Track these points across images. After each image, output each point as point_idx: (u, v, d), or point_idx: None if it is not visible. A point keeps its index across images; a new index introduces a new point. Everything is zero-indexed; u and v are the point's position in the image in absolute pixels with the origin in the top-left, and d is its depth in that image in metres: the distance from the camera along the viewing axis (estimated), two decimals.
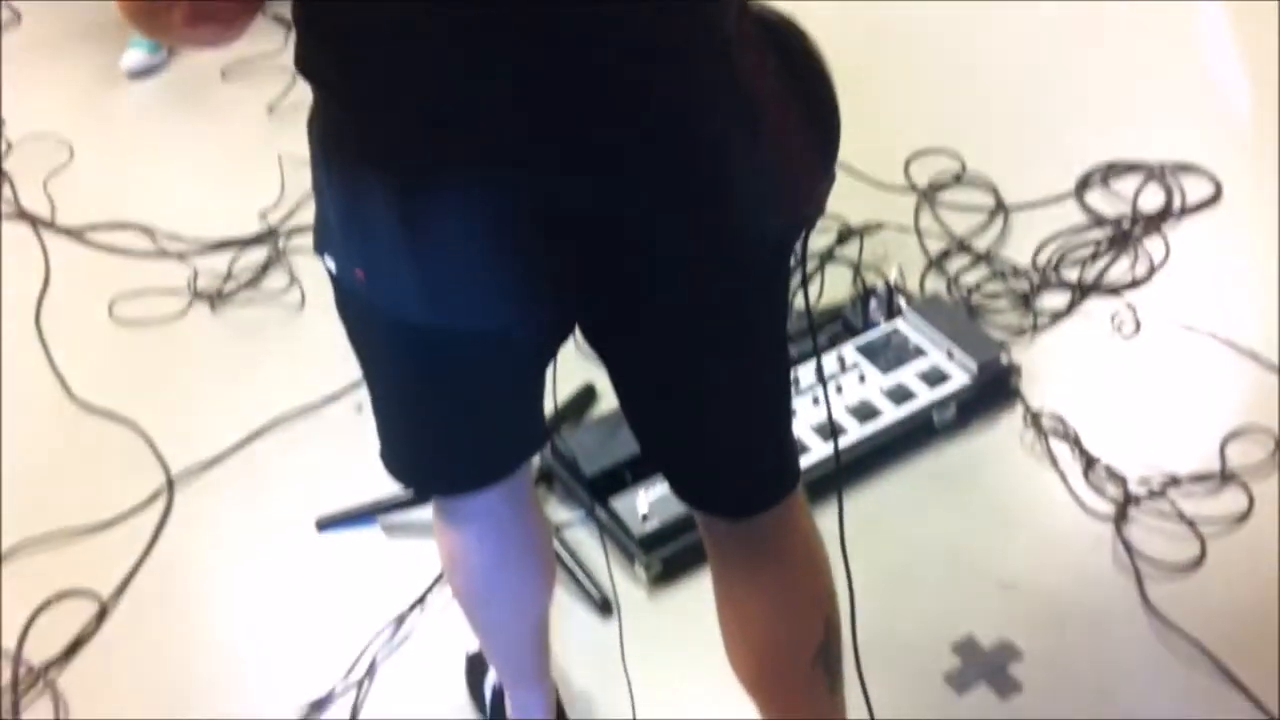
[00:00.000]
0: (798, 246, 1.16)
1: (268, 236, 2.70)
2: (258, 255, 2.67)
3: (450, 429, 1.25)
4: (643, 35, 0.96)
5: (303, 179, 2.76)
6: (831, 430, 1.39)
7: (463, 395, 1.20)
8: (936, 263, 2.53)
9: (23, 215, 2.82)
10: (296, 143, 2.96)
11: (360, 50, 0.98)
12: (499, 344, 1.13)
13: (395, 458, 1.32)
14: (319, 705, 1.84)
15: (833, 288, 2.44)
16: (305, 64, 1.03)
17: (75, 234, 2.76)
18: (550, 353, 1.24)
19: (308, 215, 2.67)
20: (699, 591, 1.89)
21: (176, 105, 3.20)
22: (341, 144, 1.04)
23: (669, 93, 0.99)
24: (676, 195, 1.01)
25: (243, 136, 3.04)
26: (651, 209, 1.00)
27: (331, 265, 1.10)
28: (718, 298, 1.10)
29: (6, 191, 2.89)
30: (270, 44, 3.27)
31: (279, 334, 2.50)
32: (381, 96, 0.98)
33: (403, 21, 0.94)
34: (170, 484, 2.19)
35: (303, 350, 2.44)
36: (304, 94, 3.06)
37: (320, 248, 1.12)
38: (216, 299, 2.57)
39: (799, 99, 1.07)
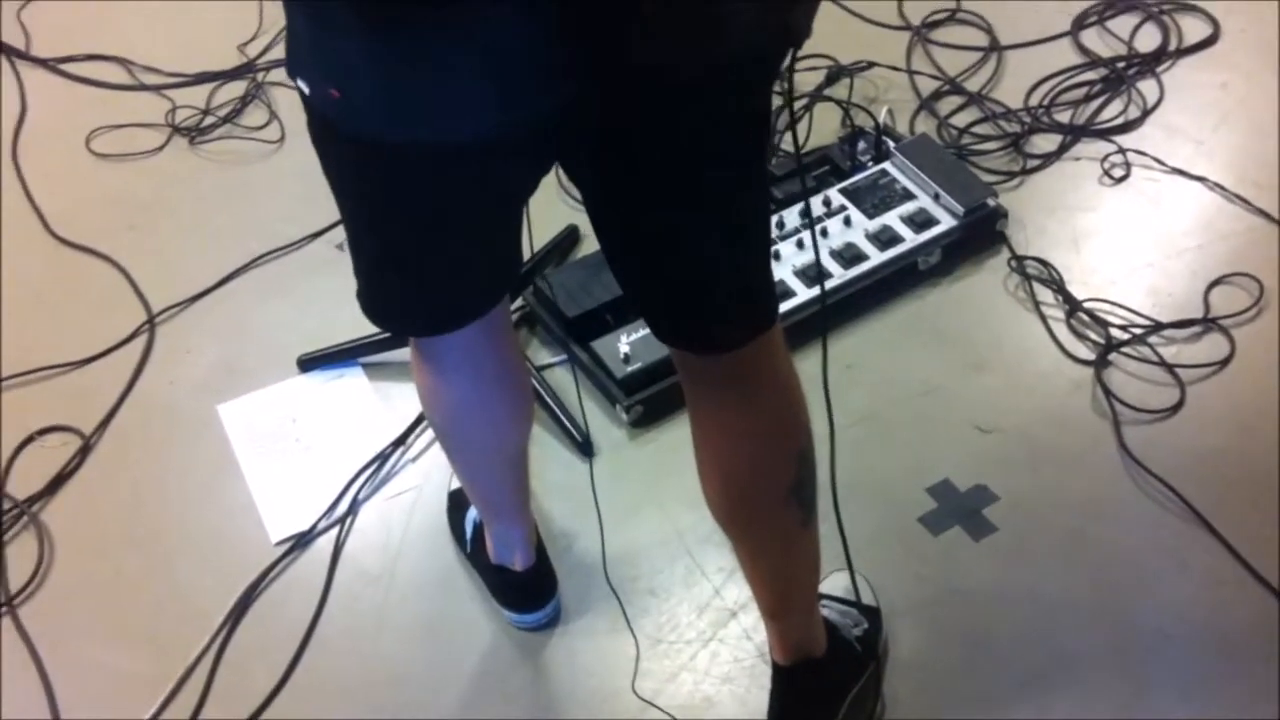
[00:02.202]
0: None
1: (245, 70, 2.64)
2: (236, 89, 2.61)
3: (425, 262, 1.23)
4: None
5: (280, 11, 2.74)
6: (819, 273, 1.36)
7: (438, 224, 1.17)
8: (927, 104, 2.48)
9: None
10: None
11: None
12: (476, 165, 1.10)
13: (371, 298, 1.30)
14: (301, 541, 1.86)
15: (820, 129, 2.41)
16: None
17: (50, 65, 2.70)
18: (527, 182, 1.21)
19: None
20: (680, 435, 1.92)
21: None
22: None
23: None
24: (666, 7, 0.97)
25: None
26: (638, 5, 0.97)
27: (304, 86, 1.06)
28: (696, 114, 1.06)
29: None
30: None
31: (258, 170, 2.46)
32: None
33: None
34: (151, 320, 2.18)
35: (283, 186, 2.41)
36: None
37: (292, 70, 1.08)
38: (195, 133, 2.52)
39: None
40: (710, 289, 1.22)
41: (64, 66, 2.70)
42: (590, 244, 2.20)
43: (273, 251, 2.28)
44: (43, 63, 2.71)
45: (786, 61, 1.09)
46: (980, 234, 2.20)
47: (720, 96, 1.06)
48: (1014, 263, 2.17)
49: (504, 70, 0.97)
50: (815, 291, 2.03)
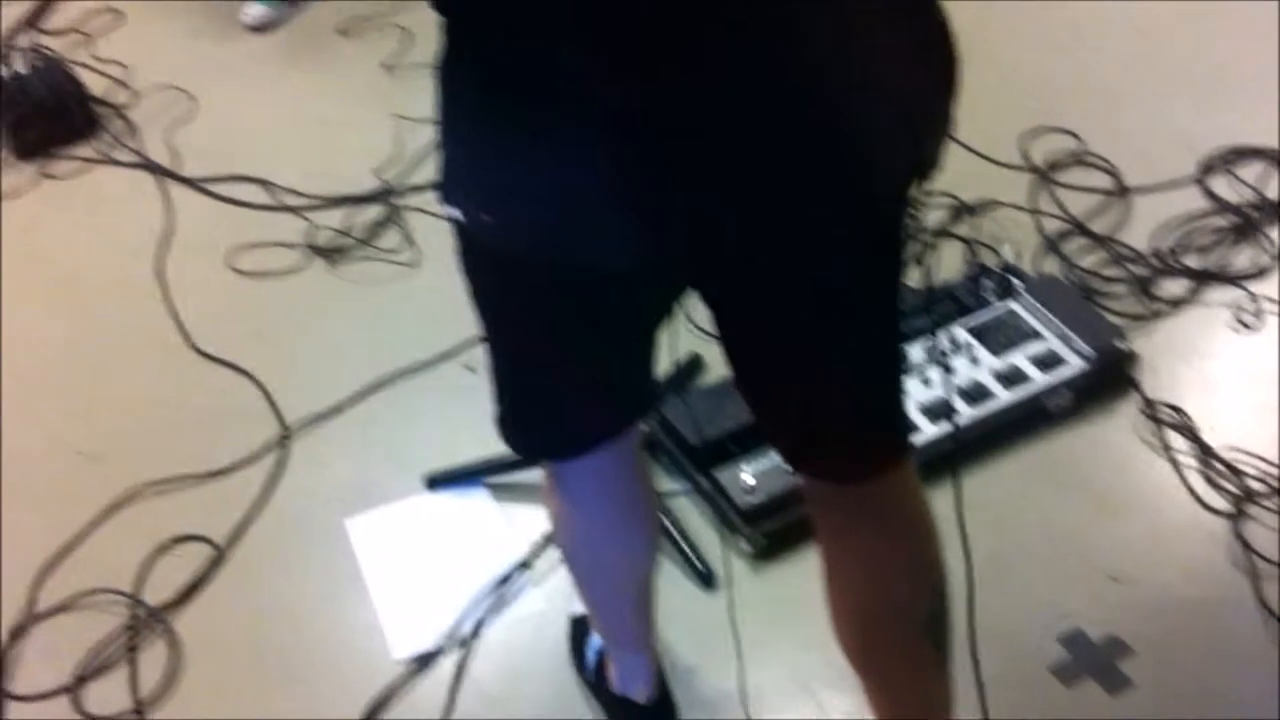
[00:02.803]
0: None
1: (382, 194, 2.73)
2: (373, 212, 2.70)
3: (564, 385, 1.26)
4: None
5: (418, 136, 2.84)
6: (948, 408, 1.37)
7: (580, 346, 1.21)
8: (1052, 244, 2.49)
9: (147, 165, 2.88)
10: (411, 101, 3.01)
11: None
12: (620, 289, 1.13)
13: (510, 421, 1.34)
14: (424, 662, 1.87)
15: (945, 265, 2.42)
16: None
17: (197, 185, 2.82)
18: (666, 306, 1.24)
19: (422, 174, 2.76)
20: (804, 567, 1.91)
21: (295, 60, 3.23)
22: (469, 81, 1.04)
23: (789, 17, 0.97)
24: (794, 124, 1.00)
25: (359, 93, 3.07)
26: (771, 139, 0.99)
27: (457, 213, 1.11)
28: (832, 245, 1.09)
29: (132, 141, 2.95)
30: (386, 3, 3.32)
31: (392, 291, 2.53)
32: (514, 25, 0.99)
33: None
34: (285, 434, 2.24)
35: (416, 307, 2.48)
36: (420, 53, 3.11)
37: (445, 196, 1.12)
38: (332, 254, 2.61)
39: (916, 37, 1.06)
40: (843, 418, 1.23)
41: (210, 186, 2.81)
42: (710, 372, 2.22)
43: (404, 370, 2.34)
44: (190, 182, 2.83)
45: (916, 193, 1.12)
46: (1109, 377, 2.18)
47: (856, 227, 1.08)
48: (1144, 407, 2.15)
49: (655, 209, 1.01)
50: (941, 428, 2.02)
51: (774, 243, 1.05)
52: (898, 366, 1.24)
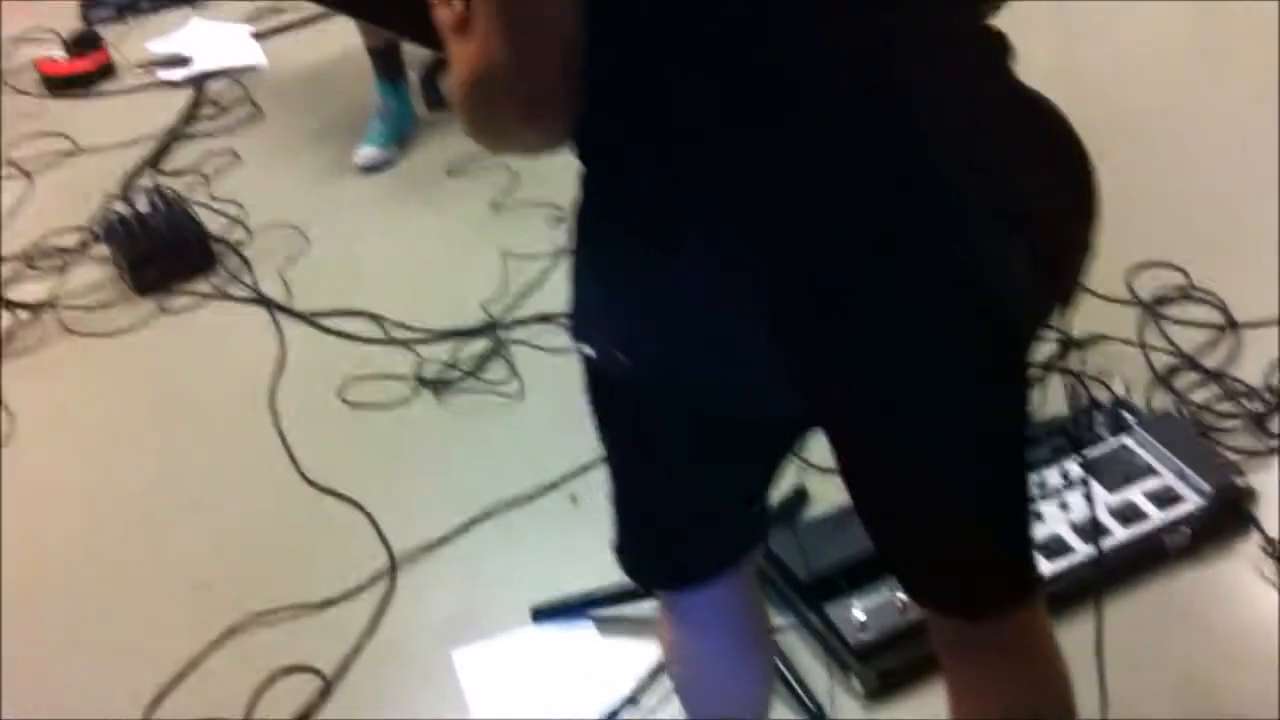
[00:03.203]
0: None
1: (489, 328, 2.78)
2: (480, 346, 2.74)
3: (686, 515, 1.28)
4: (915, 100, 0.99)
5: (523, 272, 2.91)
6: (1094, 532, 1.35)
7: (704, 476, 1.22)
8: (1163, 379, 2.46)
9: (261, 299, 2.96)
10: (517, 238, 3.08)
11: (642, 129, 1.02)
12: (748, 426, 1.15)
13: (629, 551, 1.35)
14: None
15: (1053, 400, 2.39)
16: (581, 139, 1.06)
17: (308, 319, 2.89)
18: (792, 439, 1.25)
19: (527, 308, 2.81)
20: (916, 707, 1.87)
21: (405, 199, 3.33)
22: (607, 220, 1.08)
23: (933, 157, 1.00)
24: (934, 259, 1.01)
25: (467, 231, 3.15)
26: (908, 276, 1.00)
27: (589, 351, 1.13)
28: (968, 376, 1.08)
29: (247, 277, 3.04)
30: None
31: (498, 423, 2.56)
32: (653, 169, 1.02)
33: (692, 106, 0.98)
34: (393, 565, 2.25)
35: (520, 439, 2.50)
36: (526, 192, 3.19)
37: (577, 333, 1.15)
38: (440, 387, 2.65)
39: (1056, 165, 1.08)
40: (966, 548, 1.22)
41: (322, 320, 2.88)
42: (817, 505, 2.20)
43: (509, 502, 2.35)
44: (302, 316, 2.90)
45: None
46: (1227, 514, 2.13)
47: (989, 360, 1.08)
48: (1265, 545, 2.09)
49: (790, 347, 1.03)
50: (1058, 565, 1.98)
51: (906, 375, 1.06)
52: (1024, 498, 1.23)
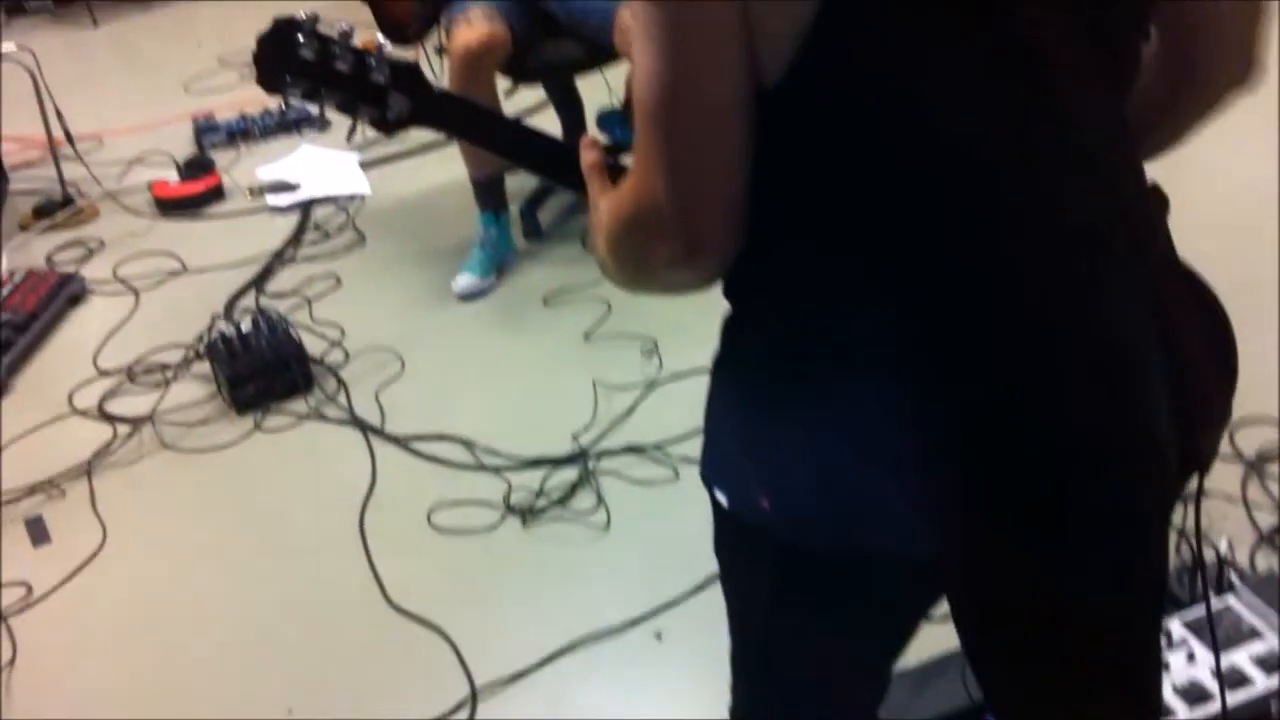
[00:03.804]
0: None
1: (578, 457, 2.79)
2: (568, 475, 2.75)
3: (816, 671, 1.24)
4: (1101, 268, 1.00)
5: (613, 403, 2.91)
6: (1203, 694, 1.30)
7: (837, 632, 1.19)
8: (1267, 538, 2.39)
9: (355, 421, 3.00)
10: (609, 369, 3.09)
11: (814, 281, 1.02)
12: (892, 579, 1.11)
13: (751, 710, 1.30)
14: None
15: None
16: (744, 286, 1.07)
17: (401, 442, 2.92)
18: (937, 595, 1.22)
19: (617, 439, 2.81)
20: None
21: (500, 326, 3.38)
22: (755, 361, 1.08)
23: (1107, 307, 1.01)
24: (1100, 406, 1.00)
25: (559, 360, 3.18)
26: (1075, 422, 1.00)
27: (723, 497, 1.11)
28: (1118, 539, 1.06)
29: (342, 398, 3.09)
30: (590, 275, 3.47)
31: (584, 553, 2.55)
32: (817, 307, 1.02)
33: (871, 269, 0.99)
34: (474, 695, 2.23)
35: (607, 571, 2.48)
36: (618, 324, 3.20)
37: (712, 477, 1.14)
38: (528, 515, 2.65)
39: (1211, 346, 1.09)
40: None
41: (414, 444, 2.90)
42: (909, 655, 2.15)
43: (593, 635, 2.32)
44: (395, 440, 2.93)
45: None
46: None
47: (1139, 525, 1.06)
48: None
49: (943, 494, 1.00)
50: None
51: (1064, 523, 1.04)
52: (1159, 665, 1.20)
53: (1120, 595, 1.09)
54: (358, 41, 1.30)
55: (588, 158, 1.18)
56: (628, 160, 1.05)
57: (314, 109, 4.58)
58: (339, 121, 4.56)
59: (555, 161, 1.31)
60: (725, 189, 0.98)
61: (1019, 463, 0.99)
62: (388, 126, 1.31)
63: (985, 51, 0.95)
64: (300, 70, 1.27)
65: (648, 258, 1.02)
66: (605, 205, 1.10)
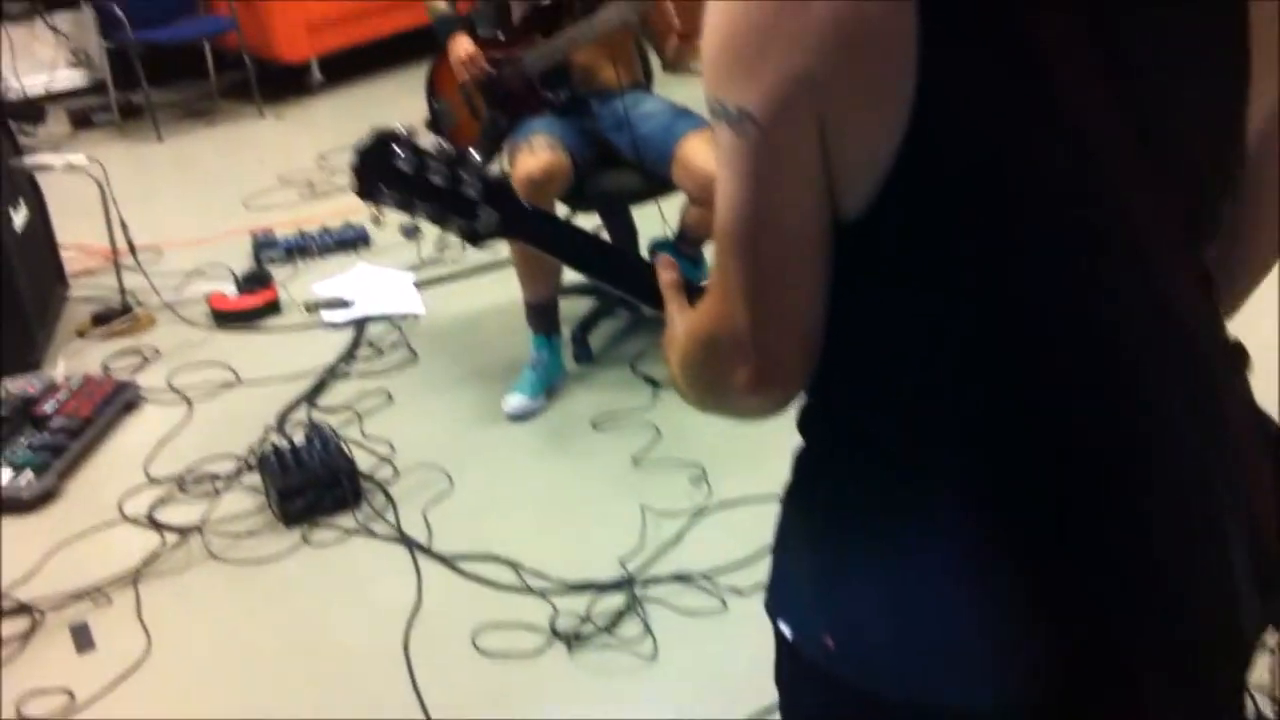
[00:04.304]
0: None
1: (625, 583, 2.77)
2: (614, 601, 2.73)
3: None
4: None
5: (661, 530, 2.90)
6: None
7: None
8: None
9: (403, 539, 3.00)
10: (657, 495, 3.08)
11: (918, 410, 1.03)
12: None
13: None
14: None
15: None
16: (818, 419, 1.07)
17: (448, 561, 2.91)
18: None
19: (665, 565, 2.79)
20: None
21: (549, 448, 3.38)
22: (832, 493, 1.07)
23: (1183, 451, 1.01)
24: (1190, 563, 1.01)
25: (607, 483, 3.18)
26: (1168, 575, 1.00)
27: (788, 630, 1.10)
28: (1199, 697, 1.04)
29: (391, 515, 3.09)
30: (639, 400, 3.49)
31: (630, 683, 2.52)
32: (899, 439, 1.02)
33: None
34: None
35: (652, 702, 2.45)
36: (668, 448, 3.18)
37: (776, 610, 1.12)
38: (573, 640, 2.63)
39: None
40: None
41: (461, 564, 2.90)
42: None
43: None
44: (442, 559, 2.92)
45: None
46: None
47: (1218, 684, 1.05)
48: None
49: (1025, 646, 0.99)
50: None
51: (1142, 673, 1.02)
52: None
53: None
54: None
55: (665, 276, 1.21)
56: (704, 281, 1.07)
57: (371, 229, 4.66)
58: (394, 242, 4.64)
59: (632, 278, 1.34)
60: (801, 319, 0.99)
61: (1114, 610, 0.98)
62: (476, 238, 1.36)
63: (1073, 223, 0.97)
64: (396, 181, 1.32)
65: (721, 381, 1.04)
66: (682, 325, 1.12)
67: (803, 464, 1.12)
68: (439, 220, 1.35)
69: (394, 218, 1.39)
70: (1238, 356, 1.10)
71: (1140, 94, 0.95)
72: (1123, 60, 0.94)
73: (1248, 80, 0.99)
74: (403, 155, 1.32)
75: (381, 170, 1.32)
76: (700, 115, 3.49)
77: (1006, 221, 0.95)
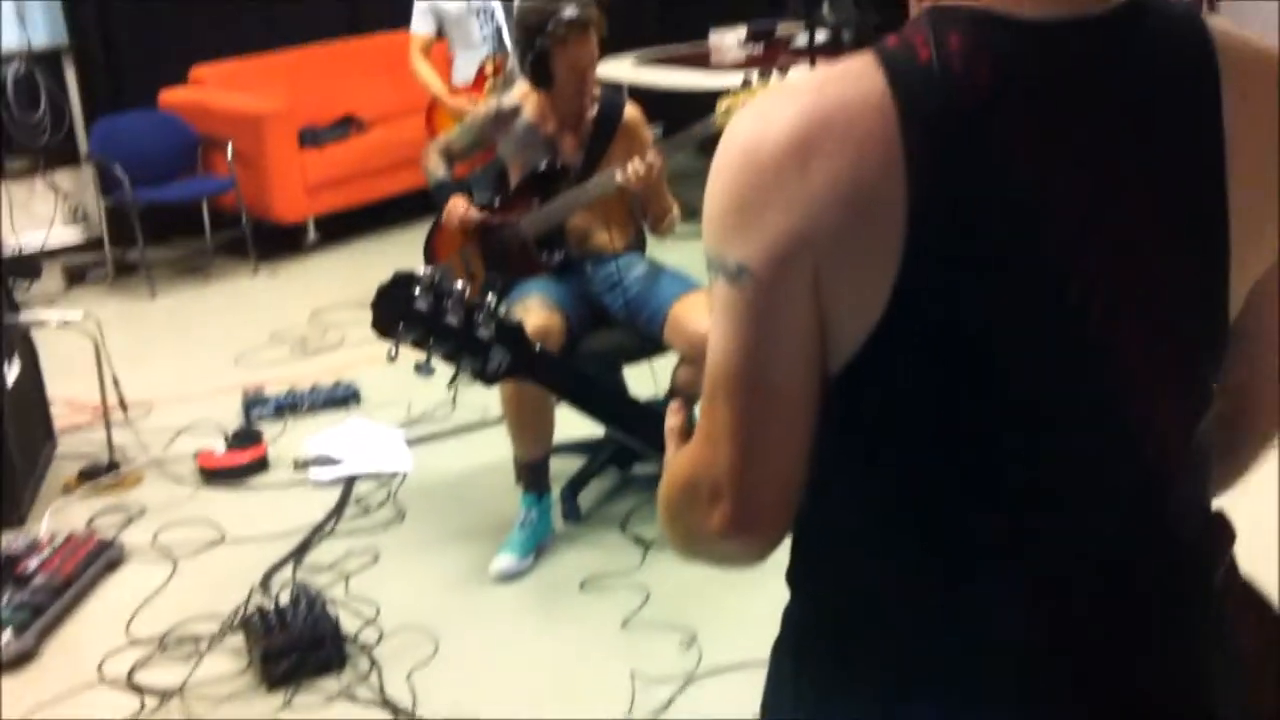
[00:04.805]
0: None
1: None
2: None
3: None
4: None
5: (651, 696, 2.85)
6: None
7: None
8: None
9: (386, 703, 2.94)
10: (646, 659, 3.04)
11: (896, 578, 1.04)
12: None
13: None
14: None
15: None
16: (805, 575, 1.08)
17: None
18: None
19: None
20: None
21: (536, 610, 3.34)
22: (822, 665, 1.08)
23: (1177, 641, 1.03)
24: None
25: (595, 647, 3.13)
26: None
27: None
28: None
29: (374, 679, 3.03)
30: (628, 560, 3.46)
31: None
32: (902, 602, 1.04)
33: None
34: None
35: None
36: (656, 612, 3.16)
37: None
38: None
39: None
40: None
41: None
42: None
43: None
44: None
45: None
46: None
47: None
48: None
49: None
50: None
51: None
52: None
53: None
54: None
55: (672, 420, 1.23)
56: None
57: (362, 387, 4.68)
58: (385, 399, 4.64)
59: (637, 424, 1.39)
60: (784, 466, 1.01)
61: None
62: (486, 378, 1.43)
63: (1068, 368, 0.99)
64: (413, 320, 1.40)
65: (700, 525, 1.05)
66: (671, 467, 1.14)
67: (790, 617, 1.13)
68: (452, 359, 1.42)
69: (393, 366, 1.44)
70: (1222, 533, 1.11)
71: (1124, 263, 0.98)
72: (1108, 228, 0.97)
73: (1226, 261, 1.02)
74: (420, 296, 1.40)
75: (399, 309, 1.41)
76: (691, 279, 3.54)
77: (988, 382, 0.98)
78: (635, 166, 3.30)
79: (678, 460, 1.09)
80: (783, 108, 0.96)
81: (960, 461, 1.00)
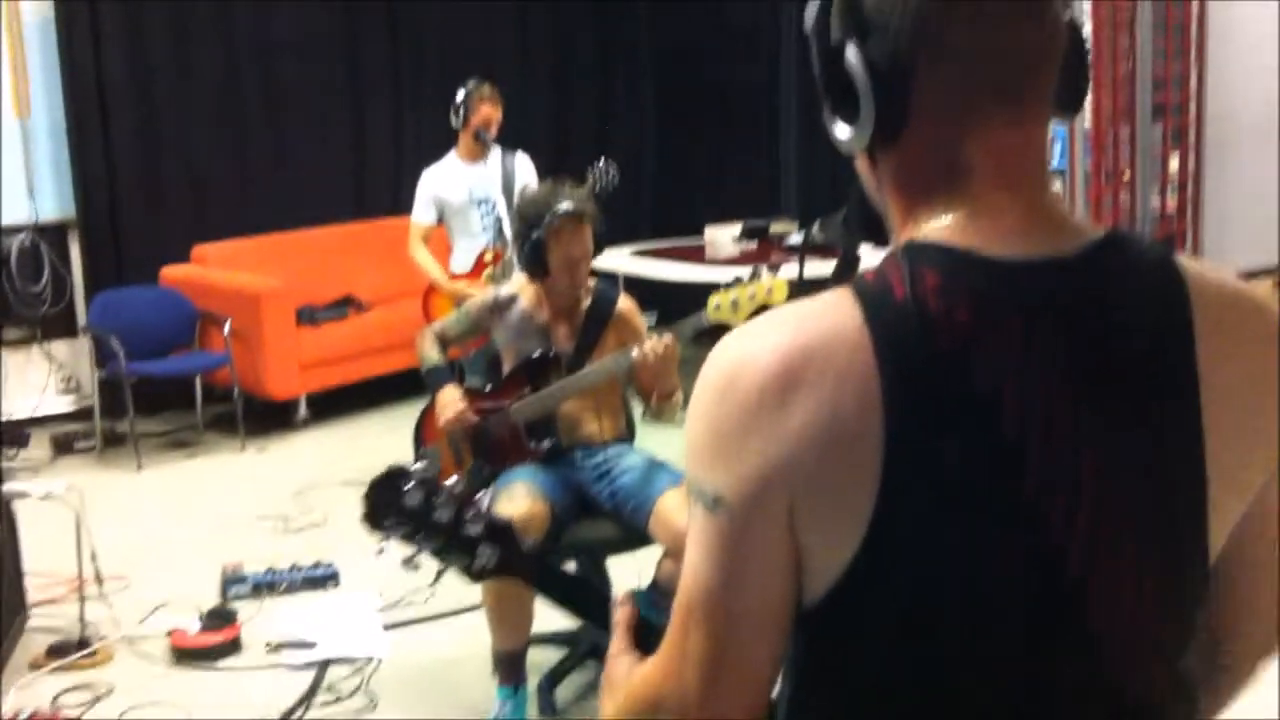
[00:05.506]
0: None
1: None
2: None
3: None
4: None
5: None
6: None
7: None
8: None
9: None
10: None
11: None
12: None
13: None
14: None
15: None
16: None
17: None
18: None
19: None
20: None
21: None
22: None
23: None
24: None
25: None
26: None
27: None
28: None
29: None
30: None
31: None
32: None
33: None
34: None
35: None
36: None
37: None
38: None
39: None
40: None
41: None
42: None
43: None
44: None
45: None
46: None
47: None
48: None
49: None
50: None
51: None
52: None
53: None
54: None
55: (620, 613, 1.24)
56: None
57: (341, 568, 4.62)
58: (363, 582, 4.58)
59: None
60: (751, 690, 1.01)
61: None
62: (473, 575, 1.43)
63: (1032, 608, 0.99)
64: (403, 515, 1.42)
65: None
66: (623, 672, 1.14)
67: None
68: (440, 555, 1.43)
69: (379, 558, 1.44)
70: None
71: (1103, 505, 0.98)
72: (1087, 469, 0.98)
73: (1205, 502, 1.02)
74: (411, 491, 1.42)
75: (390, 504, 1.43)
76: (679, 471, 3.54)
77: (965, 619, 0.98)
78: (652, 344, 3.32)
79: (641, 676, 1.08)
80: (763, 340, 0.98)
81: (935, 694, 0.99)
